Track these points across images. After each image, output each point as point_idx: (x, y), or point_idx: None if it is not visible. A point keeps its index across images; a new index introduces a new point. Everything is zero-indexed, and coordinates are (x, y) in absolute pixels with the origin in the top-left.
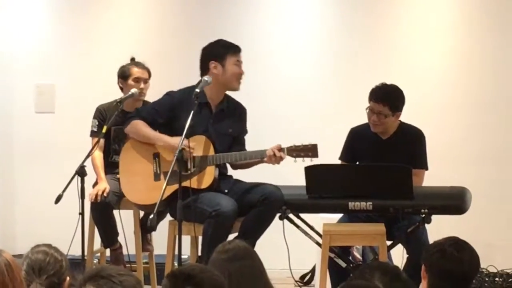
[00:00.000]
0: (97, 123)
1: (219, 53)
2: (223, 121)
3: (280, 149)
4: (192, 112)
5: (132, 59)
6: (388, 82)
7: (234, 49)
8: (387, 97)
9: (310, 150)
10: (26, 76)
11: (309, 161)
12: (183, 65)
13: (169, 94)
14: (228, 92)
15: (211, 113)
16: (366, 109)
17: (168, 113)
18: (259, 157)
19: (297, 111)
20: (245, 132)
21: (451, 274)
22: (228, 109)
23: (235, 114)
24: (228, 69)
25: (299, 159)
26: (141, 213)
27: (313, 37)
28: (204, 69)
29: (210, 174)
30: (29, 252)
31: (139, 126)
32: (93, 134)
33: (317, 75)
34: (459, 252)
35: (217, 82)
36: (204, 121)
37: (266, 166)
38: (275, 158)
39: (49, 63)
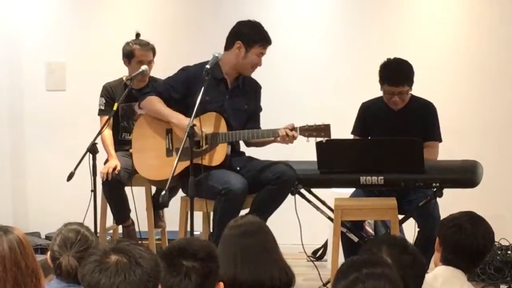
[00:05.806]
0: (104, 101)
1: (250, 38)
2: (239, 97)
3: (293, 128)
4: (203, 88)
5: (137, 35)
6: (394, 56)
7: (265, 42)
8: (405, 78)
9: (323, 130)
10: (36, 54)
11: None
12: (193, 39)
13: (184, 69)
14: None
15: (227, 88)
16: (382, 90)
17: (184, 89)
18: (271, 136)
19: (309, 87)
20: (260, 109)
21: (465, 249)
22: (243, 85)
23: (251, 90)
24: (249, 57)
25: (311, 139)
26: (153, 190)
27: (321, 12)
28: (229, 44)
29: (221, 152)
30: (62, 229)
31: (154, 102)
32: (101, 112)
33: (328, 50)
34: (474, 227)
35: (234, 61)
36: (220, 96)
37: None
38: (288, 137)
39: (59, 41)
